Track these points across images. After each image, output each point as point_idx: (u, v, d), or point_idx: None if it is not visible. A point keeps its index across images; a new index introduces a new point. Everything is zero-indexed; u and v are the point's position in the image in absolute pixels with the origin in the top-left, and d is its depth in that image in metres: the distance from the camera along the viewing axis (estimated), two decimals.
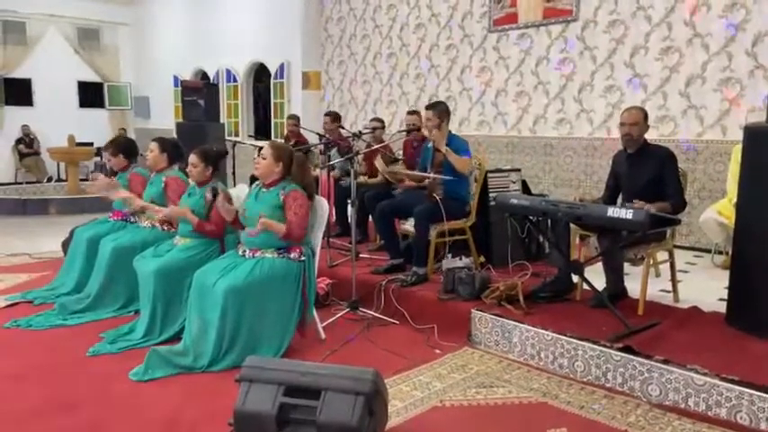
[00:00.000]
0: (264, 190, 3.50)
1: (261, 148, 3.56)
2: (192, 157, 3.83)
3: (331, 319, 3.87)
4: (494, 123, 7.34)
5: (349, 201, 4.66)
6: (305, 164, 3.62)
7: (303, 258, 3.41)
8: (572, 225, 3.75)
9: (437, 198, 4.22)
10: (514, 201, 3.66)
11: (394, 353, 3.42)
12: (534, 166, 6.90)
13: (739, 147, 3.56)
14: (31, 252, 5.82)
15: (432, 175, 4.30)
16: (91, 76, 13.17)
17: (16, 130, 12.13)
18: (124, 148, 4.70)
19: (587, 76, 6.39)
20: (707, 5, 5.48)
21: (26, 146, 12.11)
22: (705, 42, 5.51)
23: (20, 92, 12.32)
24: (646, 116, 3.68)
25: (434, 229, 4.24)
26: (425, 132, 4.66)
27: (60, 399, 2.82)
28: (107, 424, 2.61)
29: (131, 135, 12.48)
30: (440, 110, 4.40)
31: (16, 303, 4.24)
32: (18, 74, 12.28)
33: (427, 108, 4.47)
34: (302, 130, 6.65)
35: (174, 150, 4.40)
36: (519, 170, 5.22)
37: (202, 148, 3.91)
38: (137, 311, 3.85)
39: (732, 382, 2.66)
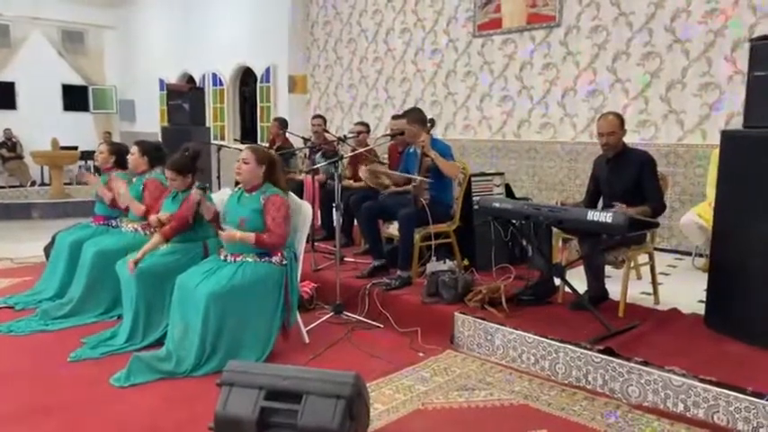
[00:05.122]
0: (247, 194, 3.50)
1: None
2: (168, 173, 3.79)
3: (315, 323, 3.87)
4: (478, 127, 7.39)
5: (334, 205, 4.66)
6: (281, 167, 3.63)
7: (285, 262, 3.41)
8: (554, 228, 3.78)
9: (423, 203, 4.23)
10: (497, 204, 3.69)
11: (377, 356, 3.43)
12: (518, 169, 6.95)
13: (717, 151, 3.61)
14: (13, 257, 5.76)
15: (417, 177, 4.31)
16: (75, 80, 13.08)
17: None
18: (119, 152, 4.69)
19: (570, 80, 6.45)
20: (687, 12, 5.56)
21: (9, 150, 12.00)
22: (685, 48, 5.59)
23: (3, 95, 12.20)
24: (622, 122, 3.72)
25: (419, 232, 4.26)
26: (409, 140, 4.65)
27: (41, 404, 2.80)
28: (88, 429, 2.60)
29: (117, 139, 12.41)
30: (420, 116, 4.41)
31: None
32: (1, 77, 12.17)
33: (410, 121, 4.39)
34: (288, 134, 6.64)
35: (154, 153, 4.38)
36: (503, 174, 5.26)
37: (174, 160, 3.78)
38: (119, 316, 3.84)
39: (710, 383, 2.70)
